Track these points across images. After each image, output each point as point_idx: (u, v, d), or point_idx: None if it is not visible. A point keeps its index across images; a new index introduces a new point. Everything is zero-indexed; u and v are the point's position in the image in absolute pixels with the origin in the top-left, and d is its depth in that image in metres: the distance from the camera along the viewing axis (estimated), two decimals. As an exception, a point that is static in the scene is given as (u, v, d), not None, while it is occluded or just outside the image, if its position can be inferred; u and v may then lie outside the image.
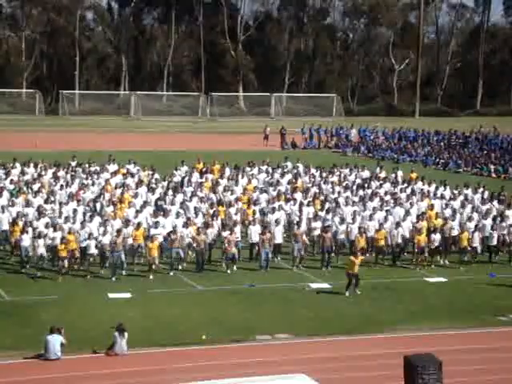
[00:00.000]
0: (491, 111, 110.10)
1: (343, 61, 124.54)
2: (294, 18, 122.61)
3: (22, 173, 41.43)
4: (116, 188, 38.44)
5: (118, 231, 29.27)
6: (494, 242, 32.43)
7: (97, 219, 31.32)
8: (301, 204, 35.31)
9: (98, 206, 34.56)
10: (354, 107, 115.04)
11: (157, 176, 41.45)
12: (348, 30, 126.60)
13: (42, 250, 28.76)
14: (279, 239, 31.63)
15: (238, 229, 31.18)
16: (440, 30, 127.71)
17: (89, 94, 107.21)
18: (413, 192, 38.78)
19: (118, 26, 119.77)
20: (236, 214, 34.15)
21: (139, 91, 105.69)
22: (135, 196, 36.21)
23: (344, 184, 40.79)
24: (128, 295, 26.76)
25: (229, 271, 29.94)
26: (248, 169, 44.50)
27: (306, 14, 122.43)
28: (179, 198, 36.16)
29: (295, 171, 44.72)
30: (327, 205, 35.21)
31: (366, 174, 44.76)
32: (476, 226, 32.56)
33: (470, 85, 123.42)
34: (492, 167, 57.58)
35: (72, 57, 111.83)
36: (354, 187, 40.16)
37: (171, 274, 29.32)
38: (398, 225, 32.05)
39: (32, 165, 43.01)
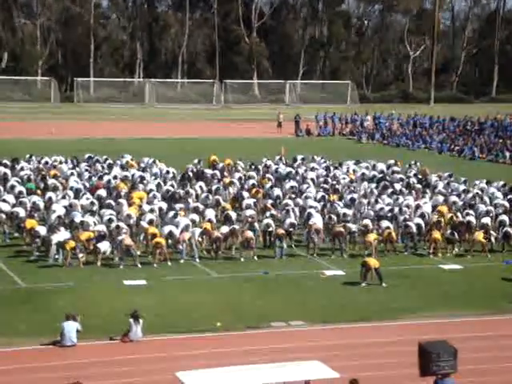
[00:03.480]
0: (507, 98, 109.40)
1: (358, 48, 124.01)
2: (309, 4, 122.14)
3: (39, 170, 41.53)
4: (130, 182, 38.56)
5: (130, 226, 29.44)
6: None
7: (109, 212, 31.63)
8: (319, 196, 35.61)
9: (109, 201, 34.52)
10: (369, 94, 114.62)
11: (173, 170, 41.56)
12: (363, 16, 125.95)
13: (58, 240, 28.81)
14: (291, 227, 31.61)
15: (256, 225, 31.36)
16: (456, 16, 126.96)
17: (103, 81, 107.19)
18: (427, 185, 38.94)
19: (132, 13, 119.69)
20: (249, 207, 34.15)
21: (154, 79, 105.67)
22: (149, 191, 36.31)
23: (359, 176, 41.02)
24: (143, 282, 26.85)
25: (242, 259, 29.95)
26: (264, 159, 44.67)
27: (320, 0, 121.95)
28: (192, 192, 36.30)
29: (310, 164, 44.75)
30: (343, 197, 35.53)
31: (380, 166, 44.70)
32: (492, 218, 32.70)
33: (486, 71, 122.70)
34: (508, 154, 57.34)
35: (87, 44, 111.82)
36: (369, 180, 40.39)
37: (182, 261, 29.33)
38: (411, 216, 32.16)
39: (47, 159, 43.44)
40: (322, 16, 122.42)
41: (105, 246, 28.77)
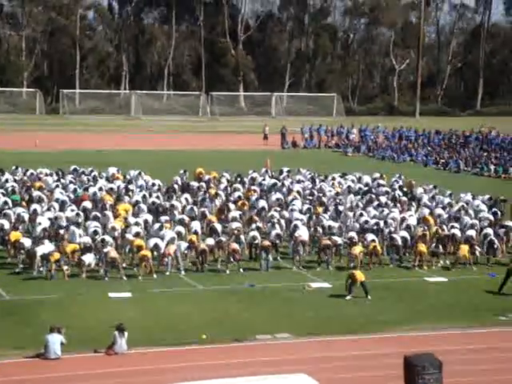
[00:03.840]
0: (492, 111, 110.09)
1: (344, 60, 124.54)
2: (295, 17, 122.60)
3: (23, 181, 41.38)
4: (115, 194, 38.42)
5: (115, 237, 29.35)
6: (496, 245, 32.32)
7: (94, 224, 31.52)
8: (305, 208, 35.62)
9: (95, 213, 34.37)
10: (355, 107, 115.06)
11: (159, 182, 41.53)
12: (348, 29, 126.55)
13: (41, 251, 28.67)
14: (277, 239, 31.63)
15: (242, 237, 31.36)
16: (441, 29, 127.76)
17: (89, 93, 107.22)
18: (413, 198, 39.06)
19: (118, 25, 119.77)
20: (235, 220, 34.15)
21: (140, 90, 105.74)
22: (134, 203, 36.24)
23: (345, 188, 41.11)
24: (128, 294, 26.75)
25: (227, 271, 29.87)
26: (250, 172, 44.69)
27: (306, 13, 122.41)
28: (178, 204, 36.25)
29: (296, 176, 44.80)
30: (328, 210, 35.58)
31: (366, 178, 44.76)
32: (477, 231, 32.85)
33: (471, 85, 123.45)
34: (492, 167, 57.59)
35: (72, 56, 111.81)
36: (354, 193, 40.47)
37: (167, 273, 29.26)
38: (396, 229, 32.25)
39: (32, 171, 43.35)
40: (308, 29, 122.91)
41: (89, 259, 28.67)
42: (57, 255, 28.26)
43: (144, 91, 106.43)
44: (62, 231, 30.68)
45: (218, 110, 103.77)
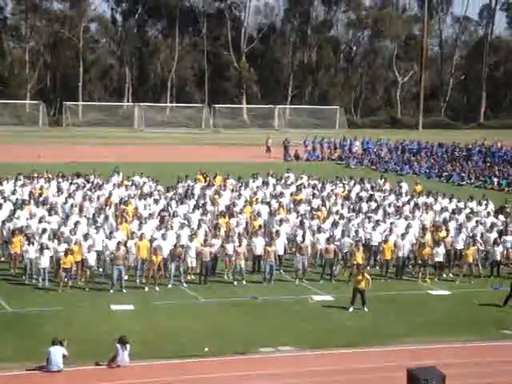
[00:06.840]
0: (495, 124, 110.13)
1: (346, 73, 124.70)
2: (298, 30, 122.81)
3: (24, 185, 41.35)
4: (121, 201, 38.37)
5: (119, 244, 29.18)
6: (498, 257, 32.26)
7: (101, 232, 31.34)
8: (303, 216, 35.35)
9: (101, 218, 34.26)
10: (358, 119, 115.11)
11: (160, 187, 41.54)
12: (351, 42, 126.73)
13: (45, 262, 28.67)
14: (281, 251, 31.59)
15: (244, 241, 31.23)
16: (444, 42, 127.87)
17: (92, 105, 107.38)
18: (416, 205, 38.79)
19: (121, 37, 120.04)
20: (238, 226, 34.14)
21: (143, 103, 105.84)
22: (138, 208, 36.21)
23: (346, 196, 40.90)
24: (131, 307, 26.71)
25: (235, 283, 29.84)
26: (251, 181, 44.55)
27: (309, 26, 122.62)
28: (182, 209, 36.19)
29: (298, 183, 44.66)
30: (331, 217, 35.23)
31: (369, 187, 44.58)
32: (474, 236, 32.73)
33: (474, 97, 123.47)
34: (495, 180, 57.49)
35: (76, 68, 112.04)
36: (357, 199, 40.22)
37: (169, 286, 29.23)
38: (402, 237, 32.01)
39: (36, 177, 43.22)
40: (310, 41, 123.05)
41: (92, 258, 28.71)
42: (70, 258, 28.17)
43: (147, 103, 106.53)
44: (71, 238, 30.45)
45: (220, 123, 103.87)
